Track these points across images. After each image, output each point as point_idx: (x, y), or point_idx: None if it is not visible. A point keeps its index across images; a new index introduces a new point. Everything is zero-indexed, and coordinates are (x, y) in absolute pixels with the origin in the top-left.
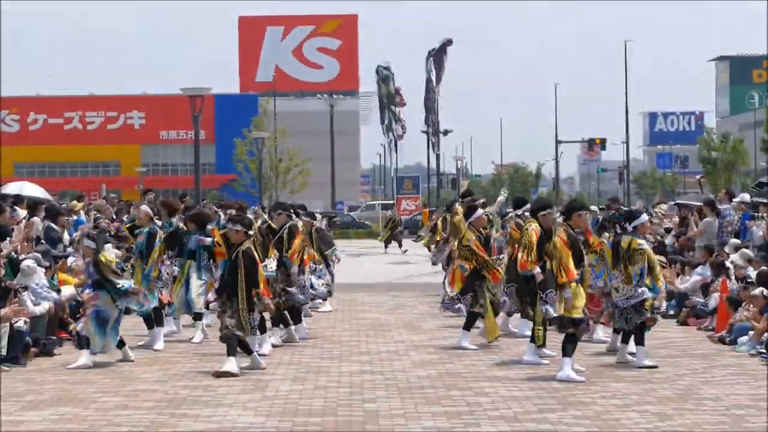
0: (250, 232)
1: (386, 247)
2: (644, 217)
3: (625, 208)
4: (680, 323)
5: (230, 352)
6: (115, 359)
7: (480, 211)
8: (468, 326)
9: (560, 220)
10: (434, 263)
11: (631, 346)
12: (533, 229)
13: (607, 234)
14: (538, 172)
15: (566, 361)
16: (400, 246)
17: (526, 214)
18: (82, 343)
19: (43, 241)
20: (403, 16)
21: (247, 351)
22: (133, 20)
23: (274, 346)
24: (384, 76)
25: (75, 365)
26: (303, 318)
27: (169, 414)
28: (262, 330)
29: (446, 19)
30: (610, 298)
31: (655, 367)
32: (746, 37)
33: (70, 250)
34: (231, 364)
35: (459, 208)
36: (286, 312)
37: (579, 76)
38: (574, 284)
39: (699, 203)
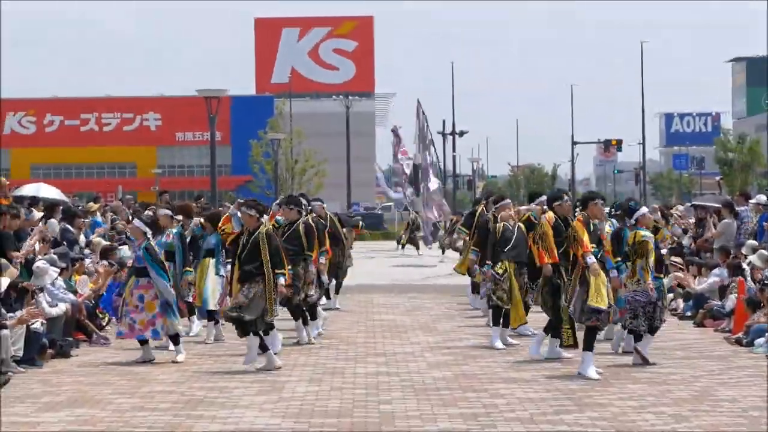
0: (263, 218)
1: (403, 248)
2: (644, 209)
3: (631, 204)
4: (697, 325)
5: (242, 333)
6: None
7: (507, 200)
8: (496, 321)
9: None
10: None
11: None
12: (546, 218)
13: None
14: (554, 174)
15: (588, 357)
16: (418, 249)
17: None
18: (177, 339)
19: (64, 243)
20: (417, 15)
21: (264, 348)
22: (149, 22)
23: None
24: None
25: (180, 359)
26: (318, 316)
27: (185, 415)
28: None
29: (461, 17)
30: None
31: (654, 364)
32: (762, 39)
33: (87, 251)
34: (252, 343)
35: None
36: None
37: (595, 77)
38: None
39: (716, 204)
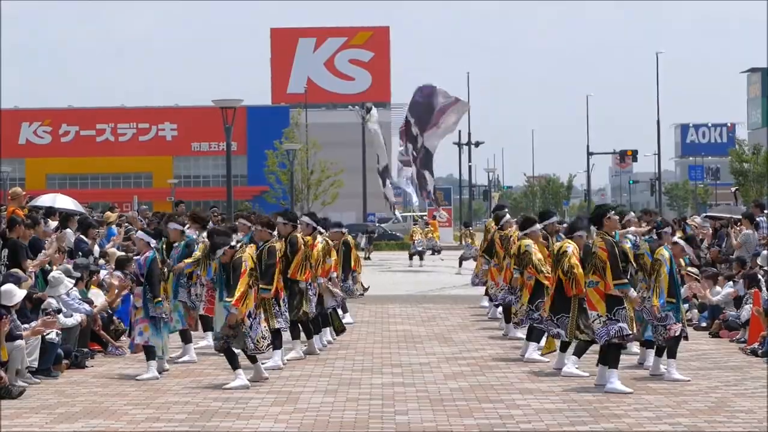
0: (233, 243)
1: (421, 259)
2: (666, 229)
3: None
4: (713, 335)
5: (233, 365)
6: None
7: (537, 225)
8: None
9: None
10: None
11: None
12: (572, 250)
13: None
14: (569, 184)
15: (615, 373)
16: (412, 258)
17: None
18: (151, 354)
19: (79, 253)
20: (433, 26)
21: (252, 360)
22: (165, 31)
23: (289, 360)
24: None
25: (146, 377)
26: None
27: (200, 426)
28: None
29: (477, 28)
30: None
31: (687, 380)
32: None
33: (101, 262)
34: (240, 379)
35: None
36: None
37: (611, 88)
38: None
39: (730, 215)
